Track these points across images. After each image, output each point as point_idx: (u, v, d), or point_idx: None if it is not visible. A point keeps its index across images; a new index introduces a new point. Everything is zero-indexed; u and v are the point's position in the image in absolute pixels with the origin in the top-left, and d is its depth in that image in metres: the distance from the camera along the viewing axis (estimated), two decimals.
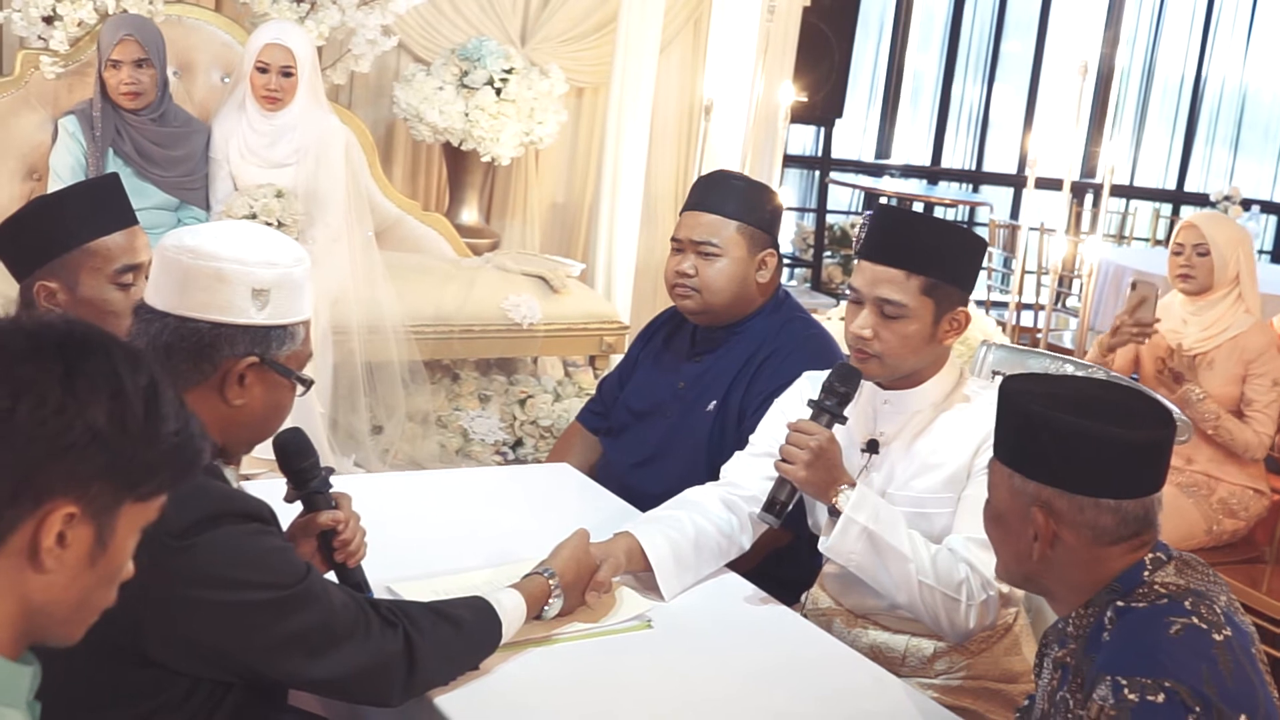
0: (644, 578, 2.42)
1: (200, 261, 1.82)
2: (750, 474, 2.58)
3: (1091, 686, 1.68)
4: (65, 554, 1.22)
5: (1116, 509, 1.74)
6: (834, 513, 2.35)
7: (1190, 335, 4.02)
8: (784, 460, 2.37)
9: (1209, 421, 3.87)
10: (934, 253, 2.38)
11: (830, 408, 2.40)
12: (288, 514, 2.05)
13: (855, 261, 2.51)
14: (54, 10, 4.62)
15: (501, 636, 2.03)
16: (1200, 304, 4.04)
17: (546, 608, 2.16)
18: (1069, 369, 2.75)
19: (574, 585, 2.21)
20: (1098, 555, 1.76)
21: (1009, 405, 1.81)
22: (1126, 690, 1.61)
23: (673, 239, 3.13)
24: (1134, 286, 3.99)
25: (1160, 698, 1.59)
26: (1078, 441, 1.73)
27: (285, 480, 2.07)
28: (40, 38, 4.66)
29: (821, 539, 2.39)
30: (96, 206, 2.37)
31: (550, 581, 2.16)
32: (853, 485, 2.36)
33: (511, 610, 2.05)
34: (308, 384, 1.92)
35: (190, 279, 1.82)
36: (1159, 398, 2.23)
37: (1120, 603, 1.74)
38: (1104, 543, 1.76)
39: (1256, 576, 3.74)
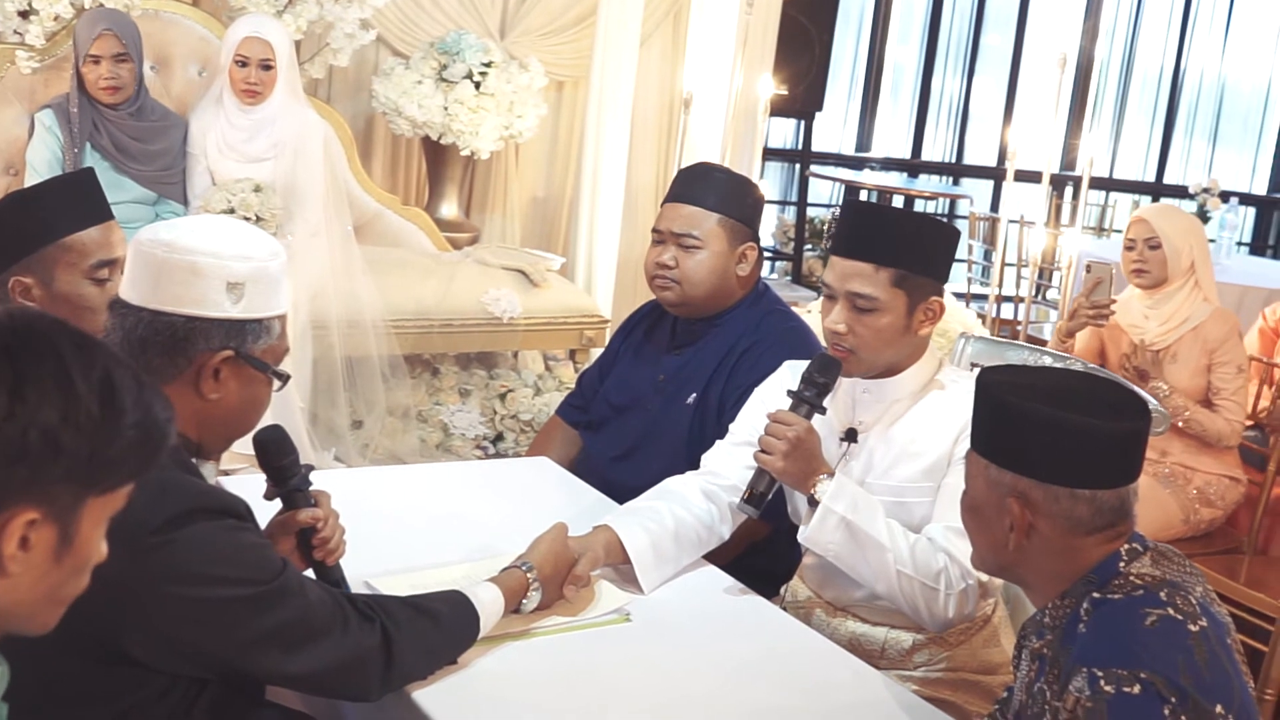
0: (623, 570, 2.42)
1: (175, 255, 1.82)
2: (730, 463, 2.58)
3: (1068, 678, 1.68)
4: (29, 556, 1.19)
5: (1092, 499, 1.75)
6: (813, 503, 2.35)
7: (1151, 330, 4.02)
8: (762, 451, 2.37)
9: (1179, 416, 3.87)
10: (902, 244, 2.39)
11: (809, 398, 2.40)
12: (267, 511, 2.05)
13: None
14: (30, 4, 4.59)
15: (479, 630, 2.02)
16: (1158, 297, 4.04)
17: (525, 601, 2.16)
18: (1047, 361, 2.75)
19: (552, 579, 2.21)
20: (1073, 545, 1.77)
21: (985, 396, 1.82)
22: (1102, 681, 1.62)
23: (654, 230, 3.13)
24: (1089, 269, 4.00)
25: (1136, 689, 1.60)
26: (1053, 432, 1.74)
27: (265, 477, 2.07)
28: (16, 32, 4.64)
29: (800, 529, 2.40)
30: (72, 201, 2.35)
31: (528, 575, 2.16)
32: (831, 475, 2.36)
33: (489, 604, 2.05)
34: (284, 378, 1.92)
35: (165, 273, 1.82)
36: (1135, 388, 2.24)
37: (1096, 594, 1.74)
38: (1079, 533, 1.76)
39: (1234, 567, 3.76)
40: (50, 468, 1.17)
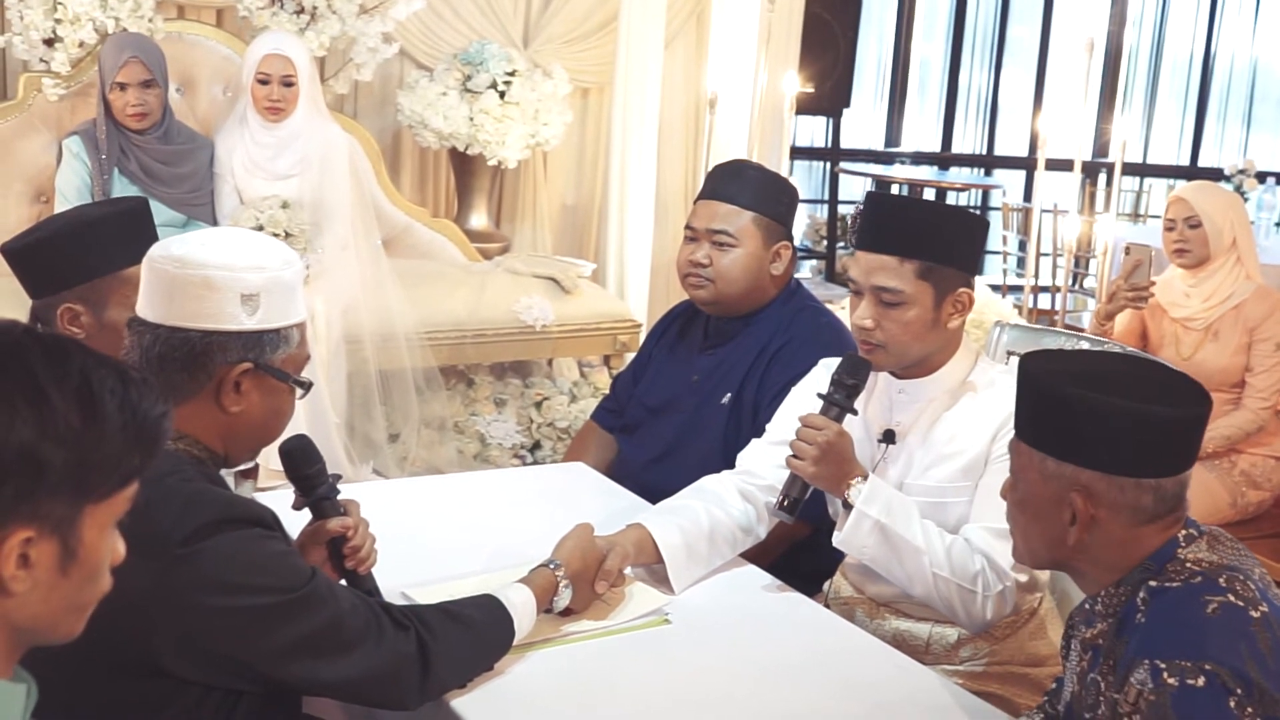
0: (656, 571, 2.39)
1: (187, 270, 1.81)
2: (767, 462, 2.54)
3: (1128, 670, 1.63)
4: (33, 573, 1.17)
5: (1156, 488, 1.69)
6: (847, 506, 2.32)
7: (1193, 307, 3.97)
8: (794, 456, 2.34)
9: (1213, 443, 3.82)
10: (926, 236, 2.34)
11: (839, 400, 2.36)
12: (297, 522, 2.04)
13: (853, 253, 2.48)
14: (54, 32, 4.61)
15: (514, 634, 2.00)
16: (1201, 275, 3.98)
17: (556, 599, 2.14)
18: (1084, 346, 2.71)
19: (581, 575, 2.18)
20: (1135, 535, 1.71)
21: (1036, 386, 1.74)
22: (1165, 674, 1.57)
23: (686, 227, 3.09)
24: (1127, 251, 3.96)
25: (1200, 681, 1.55)
26: (1120, 422, 1.66)
27: (292, 487, 2.05)
28: (42, 60, 4.66)
29: (836, 532, 2.36)
30: (130, 234, 2.37)
31: (557, 573, 2.14)
32: (865, 477, 2.33)
33: (521, 606, 2.03)
34: (306, 387, 1.90)
35: (178, 288, 1.81)
36: (1182, 371, 2.19)
37: (1153, 582, 1.69)
38: (1141, 522, 1.71)
39: None
40: (37, 485, 1.14)
